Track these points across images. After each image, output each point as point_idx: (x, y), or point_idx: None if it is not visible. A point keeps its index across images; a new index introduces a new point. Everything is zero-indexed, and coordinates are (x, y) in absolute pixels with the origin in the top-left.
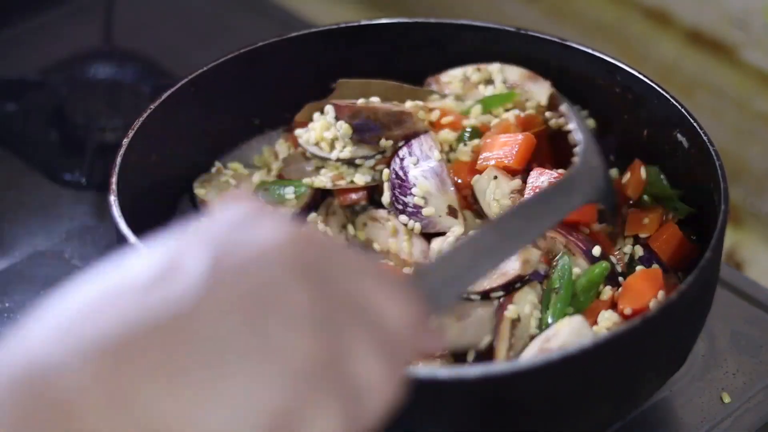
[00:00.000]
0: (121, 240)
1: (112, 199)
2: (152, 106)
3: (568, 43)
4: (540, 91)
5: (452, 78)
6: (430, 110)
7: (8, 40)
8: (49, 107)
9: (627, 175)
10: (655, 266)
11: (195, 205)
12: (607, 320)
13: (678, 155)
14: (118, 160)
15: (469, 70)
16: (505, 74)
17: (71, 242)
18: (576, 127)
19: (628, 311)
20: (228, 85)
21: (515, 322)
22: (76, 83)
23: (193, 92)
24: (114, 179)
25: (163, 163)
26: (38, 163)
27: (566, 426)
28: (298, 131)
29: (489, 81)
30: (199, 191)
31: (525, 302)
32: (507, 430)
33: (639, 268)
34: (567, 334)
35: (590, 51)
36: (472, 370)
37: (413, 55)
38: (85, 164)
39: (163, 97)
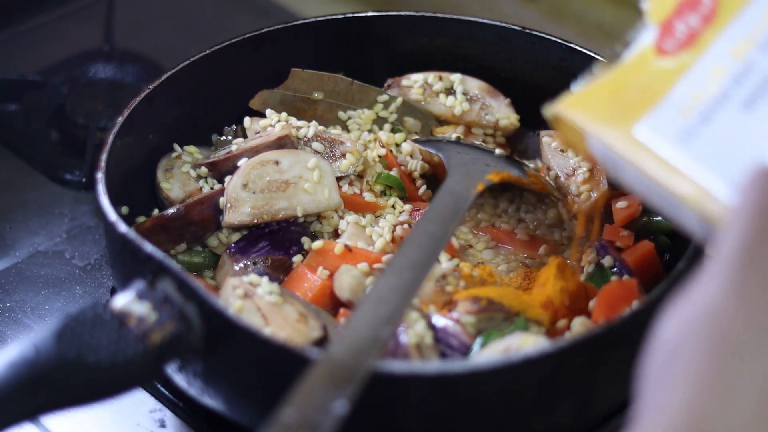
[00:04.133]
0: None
1: (99, 176)
2: (137, 100)
3: (572, 46)
4: (498, 106)
5: (413, 82)
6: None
7: (8, 40)
8: (49, 107)
9: (623, 203)
10: (629, 277)
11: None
12: (581, 326)
13: None
14: (109, 139)
15: (431, 77)
16: (465, 86)
17: (72, 242)
18: (437, 153)
19: (602, 320)
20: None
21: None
22: (76, 83)
23: (179, 83)
24: (104, 156)
25: (143, 148)
26: (38, 163)
27: (524, 427)
28: (246, 120)
29: (450, 91)
30: (165, 185)
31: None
32: (465, 428)
33: (614, 278)
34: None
35: (593, 54)
36: (430, 366)
37: (418, 48)
38: (85, 164)
39: (146, 91)
